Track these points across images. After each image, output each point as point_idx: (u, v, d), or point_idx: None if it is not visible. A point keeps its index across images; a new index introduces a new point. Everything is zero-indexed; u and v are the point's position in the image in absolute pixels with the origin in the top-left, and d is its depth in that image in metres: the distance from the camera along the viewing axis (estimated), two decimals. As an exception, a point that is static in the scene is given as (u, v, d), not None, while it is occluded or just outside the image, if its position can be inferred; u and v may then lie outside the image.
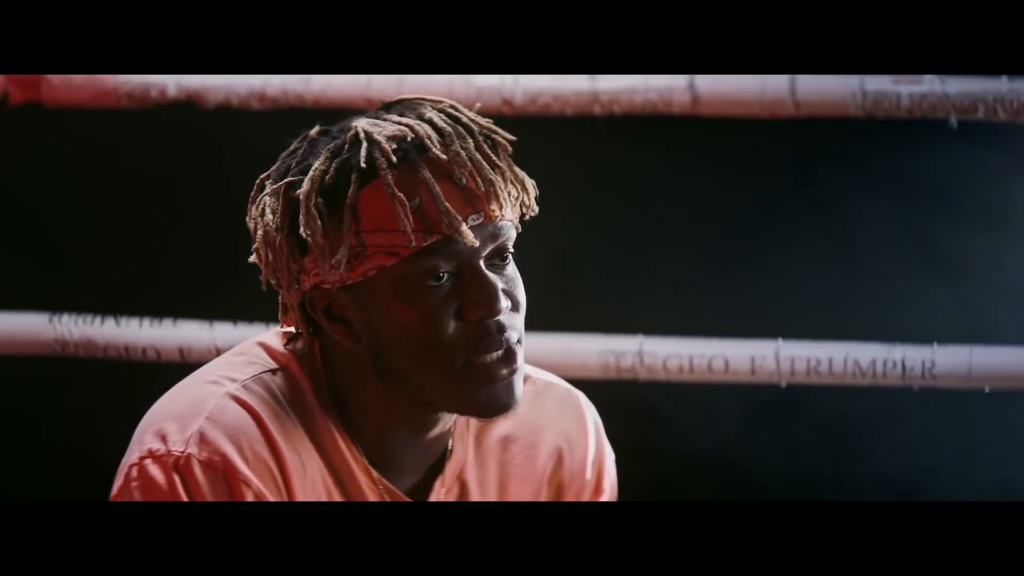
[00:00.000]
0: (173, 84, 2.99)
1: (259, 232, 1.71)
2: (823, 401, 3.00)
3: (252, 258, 1.74)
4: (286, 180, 1.69)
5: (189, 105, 2.99)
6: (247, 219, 1.74)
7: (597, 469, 1.88)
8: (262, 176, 1.74)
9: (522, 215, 1.73)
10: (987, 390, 2.89)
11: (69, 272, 3.12)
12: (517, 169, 1.72)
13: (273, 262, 1.70)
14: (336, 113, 2.90)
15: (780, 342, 2.92)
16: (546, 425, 1.85)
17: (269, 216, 1.69)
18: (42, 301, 3.06)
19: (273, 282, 1.73)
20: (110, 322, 3.03)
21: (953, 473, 3.00)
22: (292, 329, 1.78)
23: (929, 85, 2.84)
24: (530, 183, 1.72)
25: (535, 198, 1.73)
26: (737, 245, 3.03)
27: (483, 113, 1.75)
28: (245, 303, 3.03)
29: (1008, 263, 2.96)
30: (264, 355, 1.75)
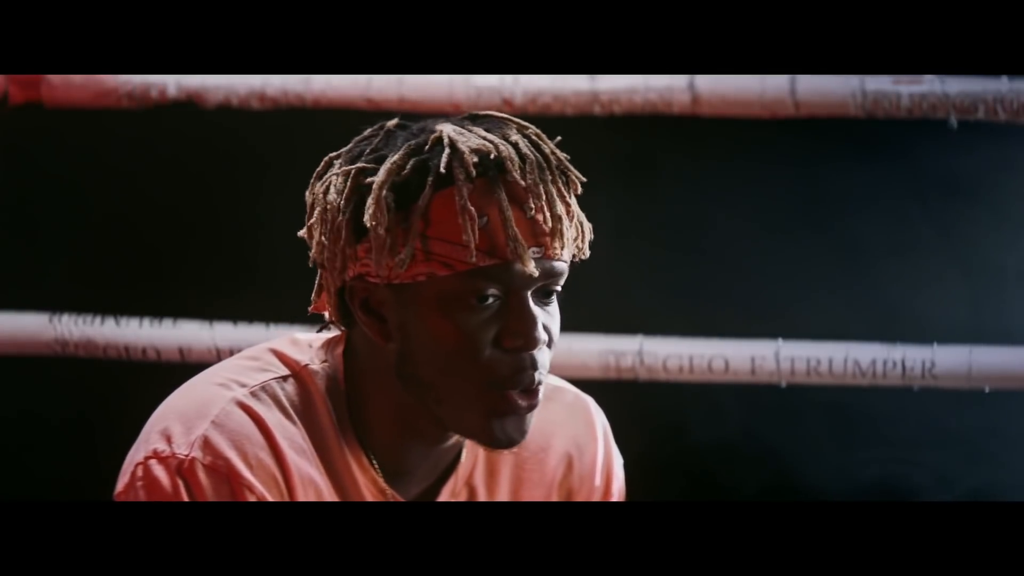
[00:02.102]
0: (173, 84, 2.99)
1: (317, 209, 1.69)
2: (823, 401, 3.00)
3: (302, 232, 1.72)
4: (358, 164, 1.68)
5: (189, 105, 2.99)
6: (307, 192, 1.72)
7: (606, 474, 1.87)
8: (331, 155, 1.72)
9: (575, 257, 1.72)
10: (987, 390, 2.89)
11: (69, 272, 3.12)
12: (580, 212, 1.71)
13: (326, 242, 1.69)
14: (336, 113, 2.92)
15: (780, 342, 2.92)
16: (555, 431, 1.84)
17: (333, 196, 1.68)
18: (42, 301, 3.06)
19: (319, 262, 1.71)
20: (110, 322, 3.03)
21: (953, 473, 3.00)
22: (316, 330, 1.77)
23: (929, 85, 2.84)
24: (587, 227, 1.72)
25: (588, 242, 1.72)
26: (737, 245, 3.03)
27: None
28: (245, 303, 3.03)
29: (1008, 263, 2.96)
30: (276, 362, 1.74)
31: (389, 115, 1.74)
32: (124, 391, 2.98)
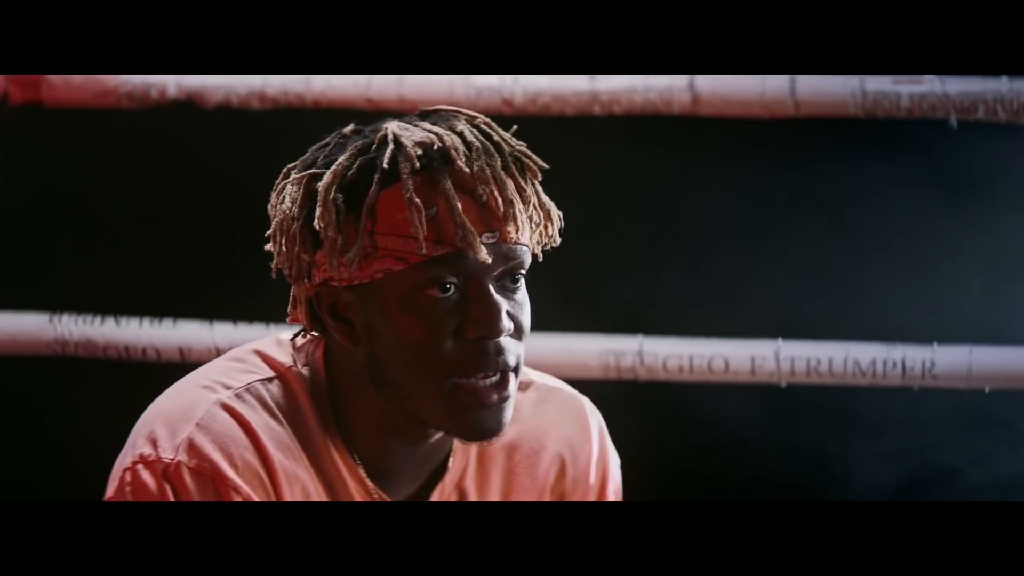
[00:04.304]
0: (173, 84, 2.99)
1: (276, 219, 1.71)
2: (823, 401, 3.00)
3: (268, 245, 1.74)
4: (310, 171, 1.69)
5: (189, 105, 2.99)
6: (269, 206, 1.74)
7: (601, 475, 1.87)
8: (289, 165, 1.74)
9: (544, 245, 1.72)
10: (987, 390, 2.89)
11: (69, 272, 3.12)
12: (545, 197, 1.71)
13: (286, 251, 1.70)
14: (336, 113, 2.91)
15: (780, 342, 2.92)
16: (549, 432, 1.84)
17: (288, 203, 1.69)
18: (42, 301, 3.06)
19: (285, 272, 1.73)
20: (110, 322, 3.03)
21: (955, 473, 3.00)
22: (290, 338, 1.78)
23: (929, 85, 2.84)
24: (556, 214, 1.72)
25: (559, 229, 1.72)
26: (737, 245, 3.03)
27: (483, 113, 1.74)
28: (245, 303, 3.03)
29: (1008, 263, 2.96)
30: (260, 363, 1.75)
31: (390, 116, 1.75)
32: (124, 391, 2.98)
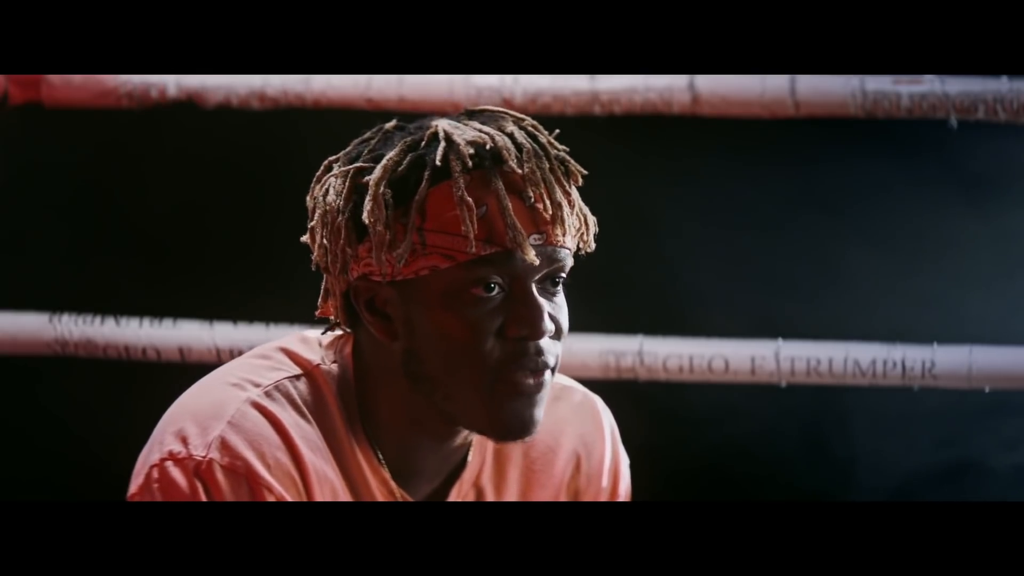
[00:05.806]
0: (173, 84, 2.99)
1: (318, 211, 1.70)
2: (823, 401, 3.00)
3: (304, 237, 1.73)
4: (356, 164, 1.69)
5: (189, 105, 2.99)
6: (307, 197, 1.73)
7: (613, 475, 1.87)
8: (330, 158, 1.73)
9: (577, 250, 1.72)
10: (987, 390, 2.89)
11: (69, 272, 3.12)
12: (582, 204, 1.71)
13: (327, 244, 1.69)
14: (336, 113, 2.92)
15: (780, 342, 2.92)
16: (564, 430, 1.85)
17: (332, 197, 1.69)
18: (42, 301, 3.06)
19: (321, 265, 1.72)
20: (110, 322, 3.03)
21: (953, 472, 3.00)
22: (321, 332, 1.77)
23: (929, 85, 2.84)
24: (592, 220, 1.72)
25: (594, 235, 1.73)
26: (737, 245, 3.03)
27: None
28: (245, 303, 3.03)
29: (1007, 263, 2.97)
30: (287, 361, 1.74)
31: (389, 115, 1.75)
32: (124, 391, 2.99)
